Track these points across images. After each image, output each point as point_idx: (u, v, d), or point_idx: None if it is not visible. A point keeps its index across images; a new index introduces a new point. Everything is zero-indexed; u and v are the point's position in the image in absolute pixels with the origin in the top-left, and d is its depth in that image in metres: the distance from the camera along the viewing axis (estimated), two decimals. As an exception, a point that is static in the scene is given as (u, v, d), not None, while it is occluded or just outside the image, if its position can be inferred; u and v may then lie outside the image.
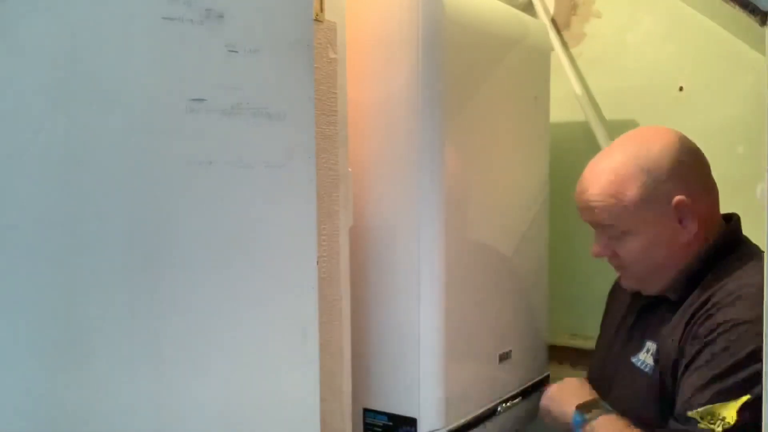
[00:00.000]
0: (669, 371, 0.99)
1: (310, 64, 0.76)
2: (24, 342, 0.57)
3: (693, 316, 0.98)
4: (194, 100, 0.65)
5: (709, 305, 0.97)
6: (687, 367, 0.95)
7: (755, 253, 1.05)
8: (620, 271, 1.11)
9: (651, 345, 1.05)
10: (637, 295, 1.15)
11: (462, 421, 1.07)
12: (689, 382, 0.94)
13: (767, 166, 0.66)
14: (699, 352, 0.94)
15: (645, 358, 1.05)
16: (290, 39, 0.74)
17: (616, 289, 1.27)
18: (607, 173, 1.05)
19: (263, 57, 0.71)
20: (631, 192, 1.02)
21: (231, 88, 0.68)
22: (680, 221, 1.03)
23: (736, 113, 1.37)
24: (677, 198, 1.01)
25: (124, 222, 0.62)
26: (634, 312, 1.13)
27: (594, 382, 1.16)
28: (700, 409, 0.90)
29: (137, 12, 0.62)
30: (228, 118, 0.68)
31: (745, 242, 1.08)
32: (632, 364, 1.07)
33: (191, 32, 0.65)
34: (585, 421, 1.03)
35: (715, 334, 0.93)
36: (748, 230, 1.08)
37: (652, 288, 1.07)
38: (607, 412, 1.03)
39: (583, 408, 1.05)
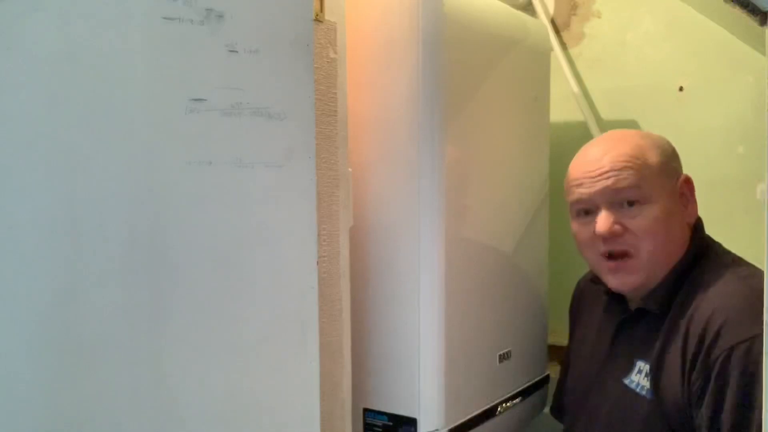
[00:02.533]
0: (669, 392, 0.95)
1: (310, 64, 0.76)
2: (24, 342, 0.57)
3: (687, 332, 0.94)
4: (194, 100, 0.65)
5: (703, 323, 0.92)
6: (716, 403, 0.89)
7: (726, 256, 1.03)
8: (623, 260, 1.02)
9: (643, 365, 1.01)
10: (610, 309, 1.12)
11: (462, 421, 1.07)
12: (735, 426, 0.88)
13: (767, 166, 0.66)
14: (725, 386, 0.89)
15: (639, 379, 1.01)
16: (290, 39, 0.74)
17: (580, 307, 1.24)
18: (627, 140, 1.04)
19: (263, 57, 0.71)
20: (653, 158, 1.02)
21: (231, 88, 0.68)
22: (684, 203, 1.03)
23: (736, 113, 1.37)
24: (684, 175, 1.04)
25: (124, 222, 0.62)
26: (612, 328, 1.09)
27: (577, 402, 1.13)
28: None
29: (137, 12, 0.62)
30: (228, 118, 0.68)
31: (712, 245, 1.06)
32: (626, 387, 1.03)
33: (191, 32, 0.65)
34: None
35: (733, 360, 0.88)
36: (748, 230, 1.08)
37: (649, 281, 1.02)
38: None
39: None
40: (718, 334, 0.91)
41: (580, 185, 1.04)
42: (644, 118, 1.45)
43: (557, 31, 1.58)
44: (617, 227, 1.00)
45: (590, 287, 1.20)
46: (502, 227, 1.19)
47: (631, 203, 1.00)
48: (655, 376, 0.98)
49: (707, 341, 0.91)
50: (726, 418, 0.89)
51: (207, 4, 0.65)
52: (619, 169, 1.00)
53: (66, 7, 0.58)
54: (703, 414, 0.91)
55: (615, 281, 1.04)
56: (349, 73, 0.94)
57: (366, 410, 1.06)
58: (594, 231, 1.02)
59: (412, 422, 1.02)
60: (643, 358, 1.01)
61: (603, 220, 1.00)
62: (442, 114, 1.00)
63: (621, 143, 1.03)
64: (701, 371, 0.91)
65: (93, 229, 0.60)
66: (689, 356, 0.93)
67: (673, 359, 0.96)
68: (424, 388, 1.02)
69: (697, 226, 1.06)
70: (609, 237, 1.00)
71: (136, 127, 0.62)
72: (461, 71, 1.04)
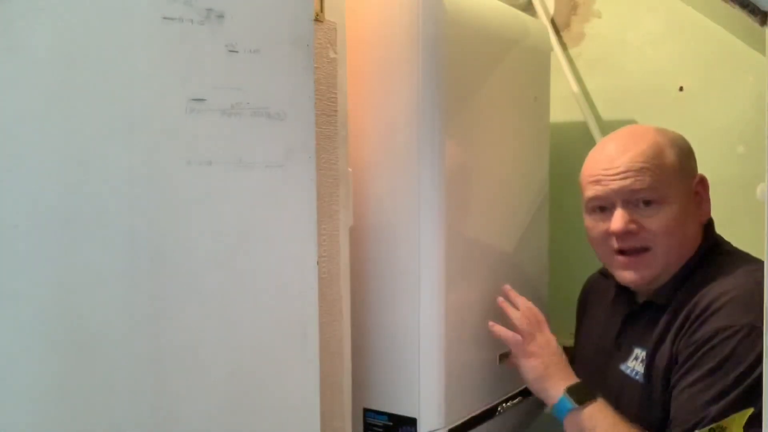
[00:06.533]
0: (660, 377, 0.97)
1: (310, 64, 0.76)
2: (24, 341, 0.57)
3: (685, 320, 0.96)
4: (194, 100, 0.65)
5: (700, 310, 0.94)
6: (684, 375, 0.93)
7: (735, 253, 1.05)
8: (635, 257, 1.02)
9: (640, 352, 1.03)
10: (618, 303, 1.13)
11: (462, 421, 1.07)
12: (693, 396, 0.91)
13: (767, 166, 0.66)
14: (698, 362, 0.91)
15: (634, 365, 1.03)
16: (290, 39, 0.74)
17: (588, 300, 1.25)
18: (645, 137, 1.03)
19: (263, 57, 0.71)
20: (670, 158, 1.02)
21: (231, 88, 0.68)
22: (698, 202, 1.04)
23: (736, 113, 1.37)
24: (700, 175, 1.05)
25: (125, 222, 0.62)
26: (618, 322, 1.10)
27: None
28: (706, 429, 0.87)
29: (137, 12, 0.62)
30: (228, 118, 0.68)
31: (722, 243, 1.07)
32: (621, 372, 1.05)
33: (191, 32, 0.65)
34: (573, 409, 0.99)
35: (715, 341, 0.91)
36: (748, 230, 1.07)
37: (660, 277, 1.03)
38: (597, 400, 0.99)
39: (574, 393, 1.00)
40: (709, 317, 0.93)
41: (596, 182, 1.04)
42: (644, 118, 1.45)
43: (557, 31, 1.58)
44: (632, 226, 1.01)
45: (599, 282, 1.22)
46: (503, 227, 1.19)
47: (647, 203, 1.01)
48: (650, 361, 1.00)
49: (698, 322, 0.94)
50: (693, 381, 0.91)
51: (207, 4, 0.65)
52: (637, 170, 1.00)
53: (66, 7, 0.58)
54: (674, 379, 0.94)
55: (627, 276, 1.05)
56: (349, 73, 0.94)
57: (366, 410, 1.06)
58: (608, 228, 1.02)
59: (412, 422, 1.02)
60: (642, 345, 1.03)
61: (618, 219, 1.01)
62: (442, 114, 1.00)
63: (639, 141, 1.03)
64: (685, 347, 0.94)
65: (93, 228, 0.60)
66: (680, 337, 0.96)
67: (668, 344, 0.98)
68: (424, 388, 1.02)
69: (709, 224, 1.07)
70: (623, 235, 1.01)
71: (136, 126, 0.62)
72: (461, 71, 1.04)
